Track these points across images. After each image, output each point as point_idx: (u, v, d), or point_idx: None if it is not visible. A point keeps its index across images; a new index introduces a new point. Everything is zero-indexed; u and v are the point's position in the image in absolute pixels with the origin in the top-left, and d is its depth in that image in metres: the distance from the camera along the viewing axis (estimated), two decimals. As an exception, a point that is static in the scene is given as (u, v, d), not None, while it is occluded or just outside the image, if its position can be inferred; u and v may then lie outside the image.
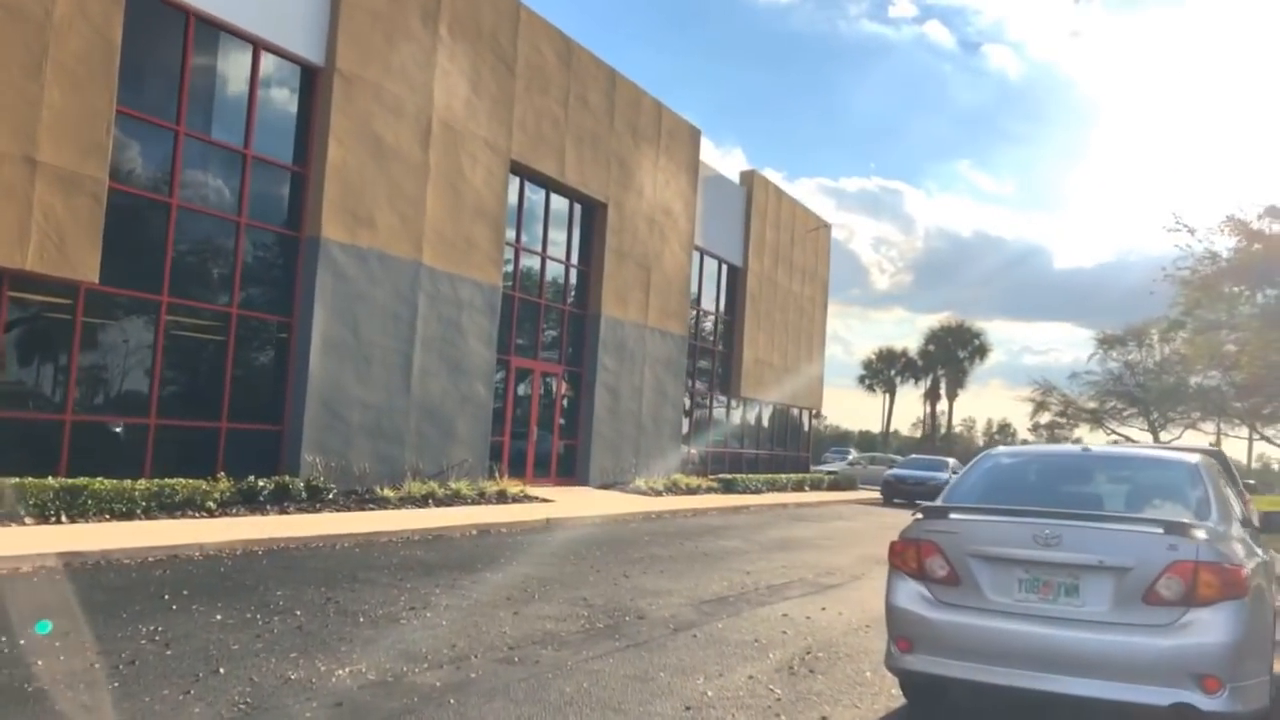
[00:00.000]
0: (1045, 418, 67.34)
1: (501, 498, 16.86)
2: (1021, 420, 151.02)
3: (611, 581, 9.83)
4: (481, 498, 16.47)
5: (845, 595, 10.16)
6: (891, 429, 71.50)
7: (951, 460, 31.75)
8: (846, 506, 26.19)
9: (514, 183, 20.07)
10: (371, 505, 14.29)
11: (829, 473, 39.51)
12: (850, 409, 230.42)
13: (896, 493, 29.49)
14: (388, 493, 14.91)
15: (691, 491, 23.32)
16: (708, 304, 28.95)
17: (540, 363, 21.35)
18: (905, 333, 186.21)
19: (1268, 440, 45.66)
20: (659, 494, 21.64)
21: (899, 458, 44.38)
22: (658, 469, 24.43)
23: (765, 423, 33.28)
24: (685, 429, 27.41)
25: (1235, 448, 71.36)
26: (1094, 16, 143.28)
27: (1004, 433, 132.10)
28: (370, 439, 16.10)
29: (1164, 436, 62.24)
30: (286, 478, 13.63)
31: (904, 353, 57.00)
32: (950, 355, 53.86)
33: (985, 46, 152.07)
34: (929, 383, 55.67)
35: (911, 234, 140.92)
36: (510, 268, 20.24)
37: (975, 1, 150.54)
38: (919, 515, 5.47)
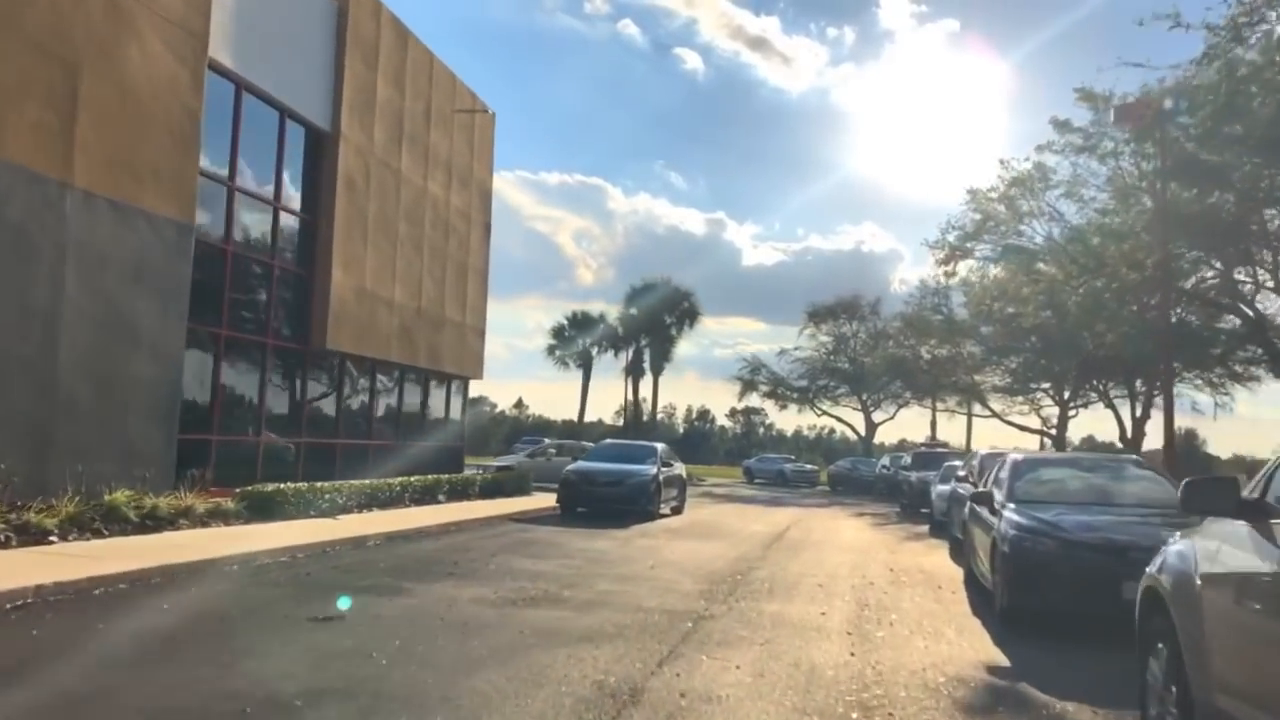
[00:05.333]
0: (753, 399, 61.18)
1: None
2: (720, 407, 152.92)
3: None
4: None
5: None
6: (595, 416, 62.60)
7: (661, 446, 21.72)
8: (486, 533, 15.07)
9: None
10: None
11: (502, 468, 28.68)
12: (552, 399, 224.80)
13: (581, 498, 18.98)
14: None
15: (159, 526, 11.19)
16: (256, 182, 16.60)
17: None
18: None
19: (1000, 416, 40.72)
20: (47, 539, 9.30)
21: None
22: (110, 477, 11.92)
23: (386, 397, 21.48)
24: (210, 404, 15.07)
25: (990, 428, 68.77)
26: (772, 27, 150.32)
27: (704, 419, 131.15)
28: None
29: (877, 416, 57.90)
30: None
31: (602, 317, 47.22)
32: (656, 320, 44.82)
33: (676, 49, 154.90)
34: (631, 354, 46.40)
35: (612, 230, 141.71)
36: None
37: (666, 2, 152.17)
38: None
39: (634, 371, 47.12)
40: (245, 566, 9.88)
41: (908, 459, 29.38)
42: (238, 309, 15.82)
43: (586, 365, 46.86)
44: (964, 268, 28.15)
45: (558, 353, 46.46)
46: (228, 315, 15.48)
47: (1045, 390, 38.51)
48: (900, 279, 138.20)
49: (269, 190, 16.80)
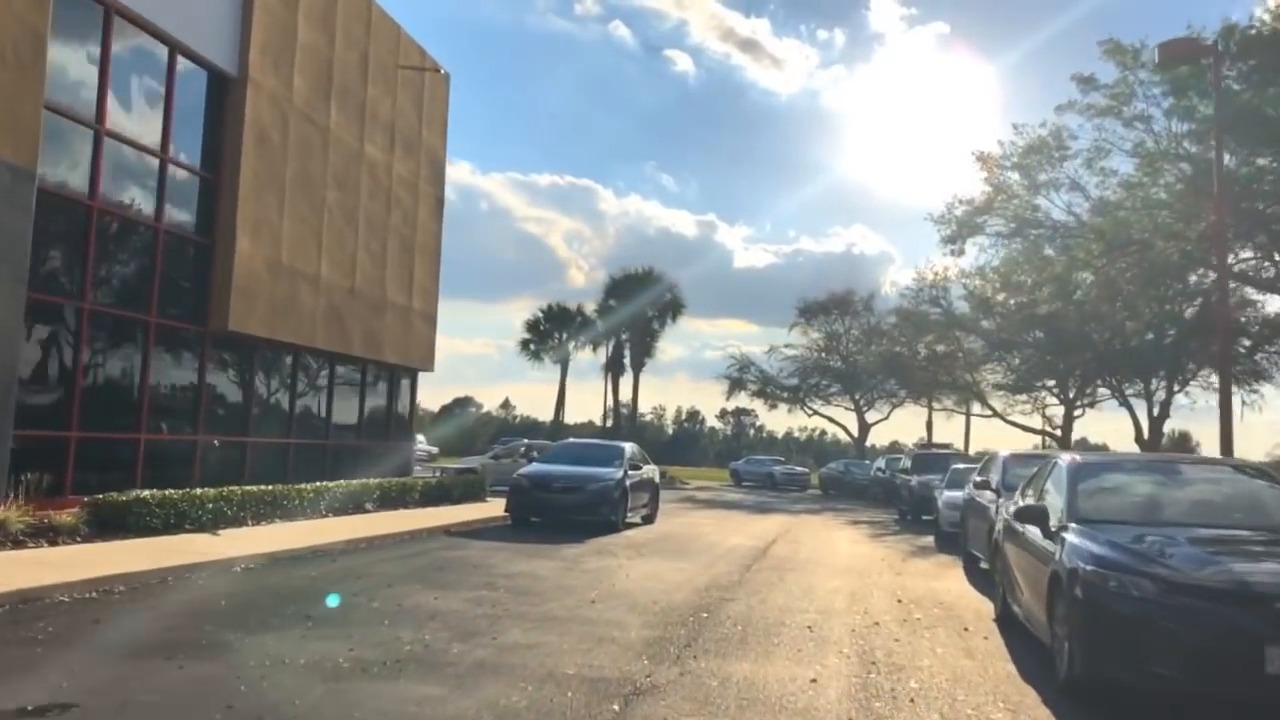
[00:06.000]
0: (742, 399, 58.55)
1: None
2: (711, 409, 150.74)
3: None
4: None
5: None
6: (585, 418, 59.89)
7: (630, 446, 19.06)
8: (402, 552, 12.42)
9: None
10: None
11: (463, 470, 26.28)
12: (542, 401, 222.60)
13: (533, 506, 16.39)
14: None
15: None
16: (136, 129, 13.81)
17: None
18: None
19: (1001, 416, 38.18)
20: None
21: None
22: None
23: (311, 389, 18.81)
24: (67, 393, 12.35)
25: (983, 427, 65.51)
26: (763, 29, 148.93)
27: (693, 420, 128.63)
28: None
29: (870, 417, 55.23)
30: None
31: (579, 311, 44.27)
32: (637, 314, 41.98)
33: (666, 51, 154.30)
34: (611, 349, 43.56)
35: (603, 232, 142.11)
36: None
37: (657, 4, 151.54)
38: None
39: (614, 368, 44.33)
40: (22, 608, 7.22)
41: (907, 461, 26.79)
42: (107, 279, 13.09)
43: (564, 362, 44.12)
44: (970, 252, 25.59)
45: (532, 347, 43.61)
46: (92, 285, 12.74)
47: (1050, 388, 36.05)
48: (891, 281, 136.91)
49: (154, 139, 14.05)
